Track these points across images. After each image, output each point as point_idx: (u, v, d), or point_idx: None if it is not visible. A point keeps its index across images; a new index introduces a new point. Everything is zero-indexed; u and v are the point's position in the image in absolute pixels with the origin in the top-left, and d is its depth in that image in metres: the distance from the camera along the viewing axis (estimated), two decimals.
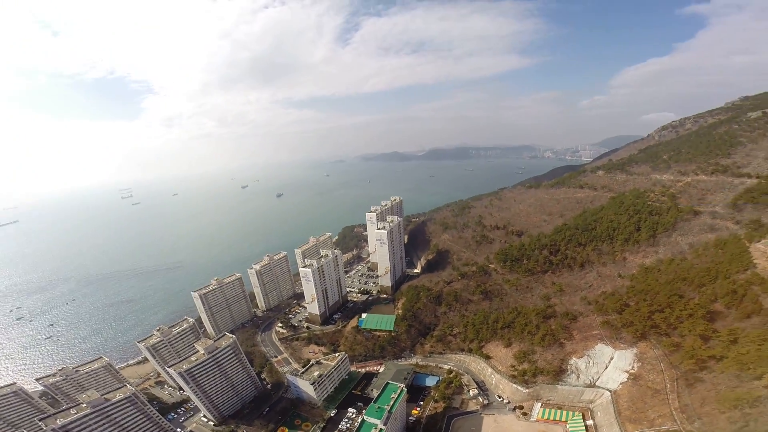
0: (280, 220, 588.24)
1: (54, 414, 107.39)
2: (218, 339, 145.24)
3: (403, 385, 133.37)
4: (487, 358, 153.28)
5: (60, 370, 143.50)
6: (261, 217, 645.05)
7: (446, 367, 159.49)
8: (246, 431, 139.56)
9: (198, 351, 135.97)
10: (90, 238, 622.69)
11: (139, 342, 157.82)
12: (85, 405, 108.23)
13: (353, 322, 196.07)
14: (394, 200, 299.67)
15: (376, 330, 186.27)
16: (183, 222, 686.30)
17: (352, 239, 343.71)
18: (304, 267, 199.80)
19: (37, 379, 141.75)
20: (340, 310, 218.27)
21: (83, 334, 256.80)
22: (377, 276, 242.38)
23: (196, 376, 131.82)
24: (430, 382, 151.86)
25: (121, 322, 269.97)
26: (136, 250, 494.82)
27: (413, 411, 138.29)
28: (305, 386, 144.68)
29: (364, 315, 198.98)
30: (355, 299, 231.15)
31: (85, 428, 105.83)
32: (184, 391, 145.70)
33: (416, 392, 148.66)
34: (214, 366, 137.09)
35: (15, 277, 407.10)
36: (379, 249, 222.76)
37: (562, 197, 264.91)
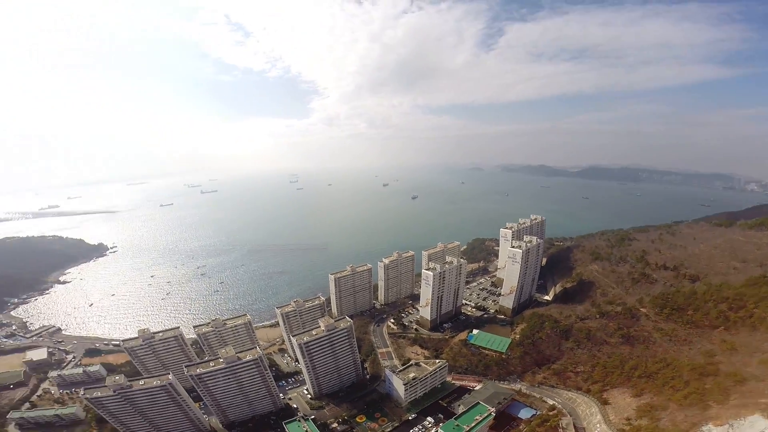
0: (412, 222, 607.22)
1: (196, 363, 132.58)
2: (338, 320, 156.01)
3: (492, 409, 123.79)
4: (604, 403, 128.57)
5: (213, 320, 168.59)
6: (396, 216, 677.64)
7: (550, 402, 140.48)
8: (332, 411, 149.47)
9: (319, 327, 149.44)
10: (262, 213, 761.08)
11: (277, 308, 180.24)
12: (222, 360, 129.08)
13: (462, 335, 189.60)
14: (535, 219, 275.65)
15: (485, 348, 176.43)
16: (333, 209, 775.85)
17: (481, 252, 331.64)
18: (426, 269, 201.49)
19: (195, 327, 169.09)
20: (451, 320, 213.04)
21: (240, 293, 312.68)
22: (499, 294, 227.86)
23: (312, 349, 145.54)
24: (525, 414, 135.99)
25: (269, 289, 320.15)
26: (295, 228, 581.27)
27: None
28: (398, 384, 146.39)
29: (475, 331, 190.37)
30: (469, 313, 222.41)
31: (214, 378, 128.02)
32: (298, 363, 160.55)
33: (505, 420, 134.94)
34: (328, 344, 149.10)
35: (204, 239, 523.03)
36: (509, 266, 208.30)
37: (766, 242, 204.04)
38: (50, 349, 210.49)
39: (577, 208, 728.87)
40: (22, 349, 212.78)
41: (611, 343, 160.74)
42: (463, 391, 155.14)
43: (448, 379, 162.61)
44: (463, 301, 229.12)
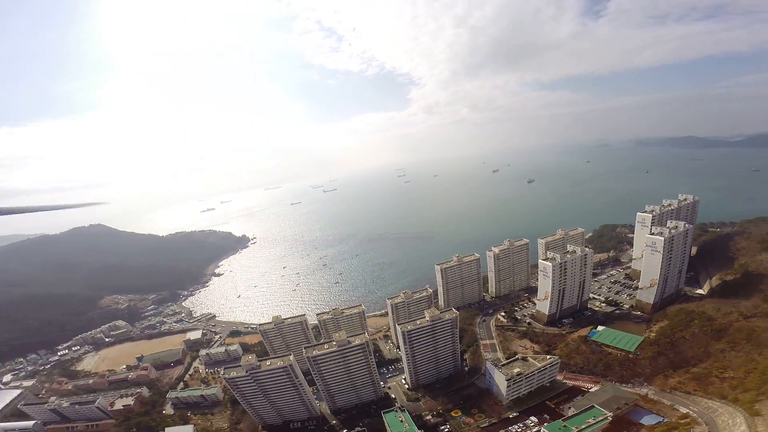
0: (528, 208, 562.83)
1: (313, 345, 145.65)
2: (444, 311, 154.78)
3: (609, 414, 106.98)
4: (756, 414, 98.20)
5: (333, 309, 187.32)
6: (508, 202, 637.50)
7: (683, 410, 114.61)
8: (427, 403, 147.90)
9: (425, 317, 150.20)
10: (373, 206, 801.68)
11: (388, 299, 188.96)
12: (335, 343, 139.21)
13: (583, 331, 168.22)
14: (684, 200, 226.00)
15: (608, 346, 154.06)
16: (440, 199, 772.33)
17: (611, 240, 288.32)
18: (544, 260, 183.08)
19: (317, 314, 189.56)
20: (574, 315, 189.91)
21: (356, 284, 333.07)
22: (636, 287, 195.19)
23: (414, 338, 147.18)
24: (649, 420, 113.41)
25: (381, 279, 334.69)
26: (403, 219, 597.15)
27: None
28: (499, 379, 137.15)
29: (600, 327, 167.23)
30: (597, 308, 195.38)
31: (327, 360, 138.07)
32: (398, 350, 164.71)
33: (622, 425, 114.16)
34: (430, 334, 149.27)
35: (325, 230, 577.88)
36: (648, 257, 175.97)
37: None
38: (204, 331, 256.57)
39: (743, 184, 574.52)
40: (184, 331, 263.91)
41: None
42: (576, 392, 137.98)
43: (559, 377, 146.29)
44: (591, 295, 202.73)
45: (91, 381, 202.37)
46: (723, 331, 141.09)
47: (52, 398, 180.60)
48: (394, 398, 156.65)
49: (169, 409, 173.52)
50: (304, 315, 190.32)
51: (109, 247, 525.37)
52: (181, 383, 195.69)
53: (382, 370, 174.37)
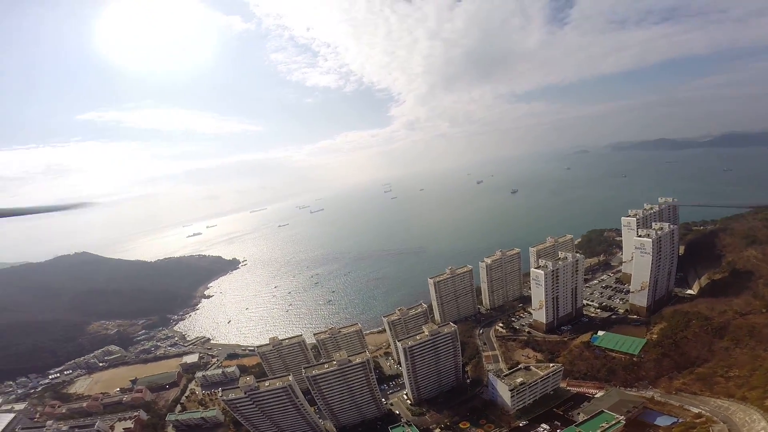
0: (515, 217, 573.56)
1: (312, 365, 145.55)
2: (442, 326, 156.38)
3: (622, 417, 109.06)
4: None
5: (330, 329, 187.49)
6: (494, 213, 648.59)
7: (694, 410, 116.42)
8: (433, 417, 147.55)
9: (424, 332, 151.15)
10: (362, 223, 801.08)
11: (384, 317, 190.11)
12: (335, 362, 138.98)
13: (584, 337, 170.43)
14: (664, 202, 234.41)
15: (612, 350, 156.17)
16: (427, 213, 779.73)
17: (600, 244, 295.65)
18: (536, 268, 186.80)
19: (314, 334, 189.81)
20: (571, 322, 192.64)
21: (350, 302, 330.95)
22: (627, 291, 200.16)
23: (415, 354, 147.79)
24: (663, 421, 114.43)
25: (374, 296, 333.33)
26: (392, 234, 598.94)
27: None
28: (503, 390, 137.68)
29: (601, 332, 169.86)
30: (593, 314, 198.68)
31: (327, 379, 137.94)
32: (400, 366, 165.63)
33: (638, 429, 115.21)
34: (431, 349, 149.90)
35: (315, 250, 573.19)
36: (637, 259, 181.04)
37: None
38: (201, 355, 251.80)
39: (718, 184, 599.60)
40: (180, 355, 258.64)
41: None
42: (581, 398, 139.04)
43: (563, 384, 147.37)
44: (584, 302, 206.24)
45: (84, 404, 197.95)
46: (723, 329, 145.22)
47: (49, 422, 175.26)
48: (398, 414, 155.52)
49: (171, 431, 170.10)
50: (302, 335, 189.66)
51: (94, 273, 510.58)
52: (179, 405, 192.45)
53: (382, 387, 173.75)
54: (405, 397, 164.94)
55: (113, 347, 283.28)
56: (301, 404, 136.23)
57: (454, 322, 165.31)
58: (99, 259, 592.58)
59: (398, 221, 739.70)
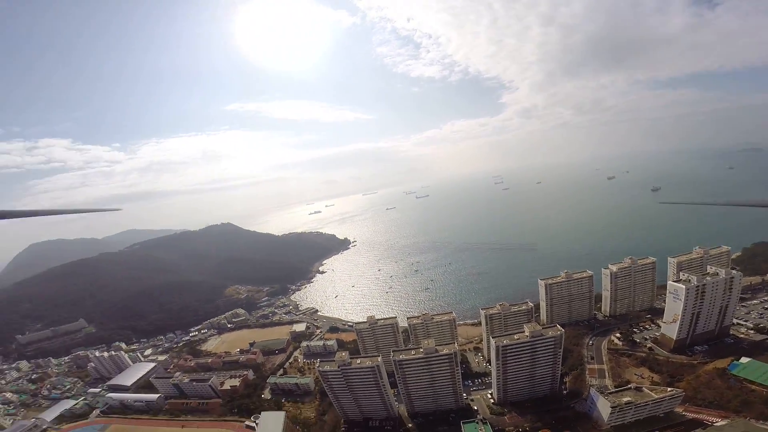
0: (652, 220, 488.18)
1: (401, 350, 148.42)
2: (547, 327, 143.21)
3: None
4: None
5: (423, 314, 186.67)
6: (628, 213, 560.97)
7: None
8: (512, 419, 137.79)
9: (523, 332, 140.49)
10: (467, 214, 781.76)
11: (482, 309, 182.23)
12: (422, 350, 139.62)
13: (721, 363, 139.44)
14: None
15: (753, 383, 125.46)
16: (543, 208, 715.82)
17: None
18: (675, 281, 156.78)
19: (408, 318, 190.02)
20: (709, 343, 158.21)
21: (447, 291, 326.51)
22: None
23: (508, 354, 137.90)
24: None
25: (473, 288, 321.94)
26: (500, 228, 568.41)
27: None
28: (603, 406, 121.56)
29: (745, 358, 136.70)
30: (743, 335, 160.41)
31: (412, 365, 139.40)
32: (489, 364, 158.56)
33: None
34: (529, 351, 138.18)
35: (418, 237, 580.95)
36: None
37: None
38: (308, 325, 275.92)
39: None
40: (291, 323, 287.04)
41: None
42: (695, 424, 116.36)
43: (678, 409, 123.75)
44: (734, 321, 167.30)
45: (209, 360, 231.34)
46: None
47: (177, 374, 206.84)
48: (477, 410, 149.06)
49: (267, 394, 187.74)
50: (396, 318, 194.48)
51: (234, 242, 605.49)
52: (281, 370, 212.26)
53: (467, 383, 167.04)
54: (489, 395, 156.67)
55: (240, 310, 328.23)
56: (384, 385, 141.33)
57: (563, 326, 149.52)
58: (239, 230, 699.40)
59: (508, 215, 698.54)
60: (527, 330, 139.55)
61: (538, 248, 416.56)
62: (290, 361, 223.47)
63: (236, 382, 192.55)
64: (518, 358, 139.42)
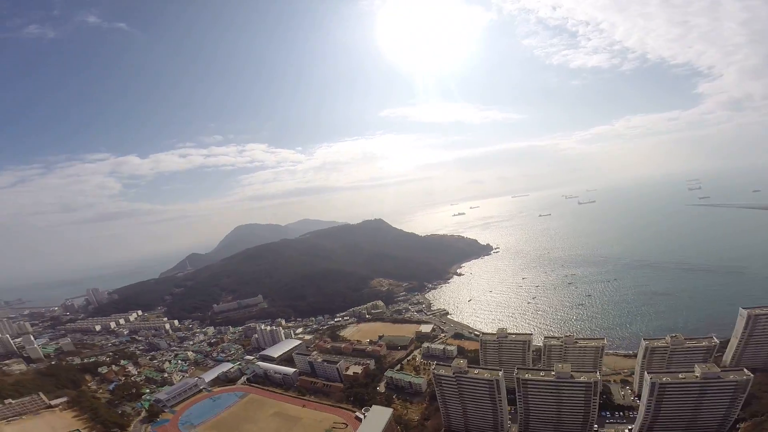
0: None
1: (528, 369, 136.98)
2: (727, 370, 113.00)
3: None
4: None
5: (566, 336, 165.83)
6: None
7: None
8: None
9: (693, 372, 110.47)
10: (645, 225, 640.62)
11: (644, 339, 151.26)
12: (554, 373, 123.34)
13: None
14: None
15: None
16: (759, 223, 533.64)
17: None
18: None
19: (545, 337, 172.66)
20: None
21: (605, 311, 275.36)
22: None
23: (667, 393, 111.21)
24: None
25: (643, 312, 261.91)
26: (692, 245, 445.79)
27: None
28: None
29: None
30: None
31: (538, 387, 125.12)
32: (637, 399, 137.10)
33: None
34: (697, 395, 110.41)
35: (577, 249, 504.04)
36: None
37: None
38: (434, 326, 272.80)
39: None
40: (419, 323, 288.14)
41: None
42: None
43: None
44: None
45: (342, 345, 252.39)
46: None
47: (314, 353, 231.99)
48: None
49: (381, 387, 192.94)
50: (531, 335, 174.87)
51: (383, 238, 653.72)
52: (399, 365, 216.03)
53: (603, 413, 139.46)
54: (628, 430, 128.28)
55: (379, 302, 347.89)
56: (500, 401, 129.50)
57: (754, 370, 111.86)
58: (387, 227, 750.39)
59: (706, 229, 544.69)
60: (699, 370, 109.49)
61: (746, 271, 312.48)
62: (408, 358, 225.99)
63: (359, 369, 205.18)
64: (679, 399, 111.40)
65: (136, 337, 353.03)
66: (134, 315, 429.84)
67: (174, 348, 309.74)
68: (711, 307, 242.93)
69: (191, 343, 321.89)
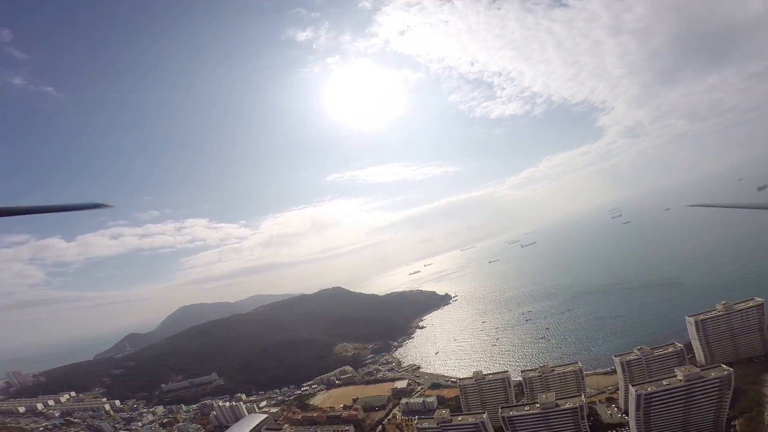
0: None
1: (512, 406, 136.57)
2: (707, 369, 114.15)
3: None
4: None
5: (541, 366, 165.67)
6: None
7: None
8: None
9: (675, 376, 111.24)
10: (583, 255, 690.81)
11: (616, 356, 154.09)
12: (538, 405, 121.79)
13: None
14: None
15: None
16: (680, 237, 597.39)
17: None
18: None
19: (522, 371, 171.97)
20: None
21: (567, 340, 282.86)
22: None
23: (653, 402, 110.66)
24: None
25: (602, 334, 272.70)
26: (628, 266, 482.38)
27: None
28: None
29: None
30: None
31: (524, 422, 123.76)
32: (625, 415, 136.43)
33: None
34: (684, 398, 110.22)
35: (527, 287, 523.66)
36: None
37: None
38: (409, 381, 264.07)
39: None
40: (393, 380, 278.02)
41: None
42: None
43: None
44: None
45: (315, 414, 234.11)
46: None
47: (286, 425, 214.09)
48: None
49: None
50: (507, 372, 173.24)
51: (343, 304, 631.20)
52: (380, 426, 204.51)
53: None
54: None
55: (348, 368, 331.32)
56: None
57: (729, 365, 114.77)
58: (346, 293, 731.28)
59: (635, 249, 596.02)
60: (680, 374, 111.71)
61: (682, 282, 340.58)
62: (389, 417, 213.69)
63: None
64: (667, 407, 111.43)
65: (72, 419, 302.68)
66: (66, 396, 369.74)
67: (122, 431, 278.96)
68: (661, 319, 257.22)
69: (140, 424, 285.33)
